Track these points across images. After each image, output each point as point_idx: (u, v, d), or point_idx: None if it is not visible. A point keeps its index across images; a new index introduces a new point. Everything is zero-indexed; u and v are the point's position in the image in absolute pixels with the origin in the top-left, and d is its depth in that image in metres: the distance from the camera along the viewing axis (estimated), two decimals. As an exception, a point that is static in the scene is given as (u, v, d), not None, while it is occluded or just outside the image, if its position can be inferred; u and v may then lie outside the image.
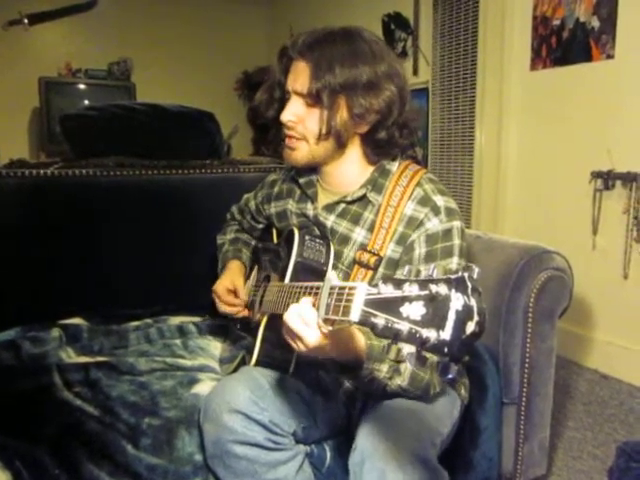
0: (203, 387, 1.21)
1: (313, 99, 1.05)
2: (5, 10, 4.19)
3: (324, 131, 1.06)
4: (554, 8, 2.48)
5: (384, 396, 1.02)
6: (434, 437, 1.00)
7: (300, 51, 1.06)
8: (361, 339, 0.92)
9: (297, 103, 1.08)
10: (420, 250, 1.06)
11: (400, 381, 0.98)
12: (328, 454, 1.13)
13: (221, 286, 1.29)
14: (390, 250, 1.08)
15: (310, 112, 1.07)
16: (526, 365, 1.28)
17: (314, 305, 0.80)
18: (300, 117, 1.08)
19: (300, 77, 1.06)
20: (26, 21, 4.23)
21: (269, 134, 1.23)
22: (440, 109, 3.30)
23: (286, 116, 1.09)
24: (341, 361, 0.95)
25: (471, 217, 3.06)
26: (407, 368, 0.98)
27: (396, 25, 3.46)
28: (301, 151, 1.11)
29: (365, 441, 0.94)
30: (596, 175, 2.34)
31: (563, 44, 2.46)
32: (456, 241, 1.06)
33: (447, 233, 1.06)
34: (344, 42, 1.04)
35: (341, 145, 1.10)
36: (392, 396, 1.02)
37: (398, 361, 0.93)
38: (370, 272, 1.08)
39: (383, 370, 0.96)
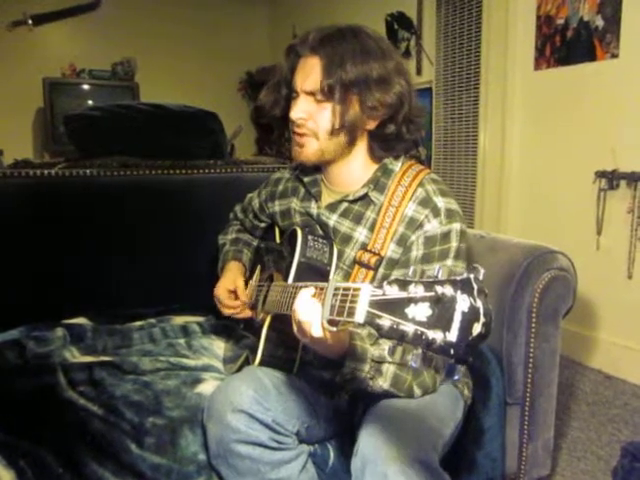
0: (207, 387, 1.21)
1: (325, 95, 1.05)
2: (9, 11, 4.21)
3: (337, 126, 1.06)
4: (558, 7, 2.48)
5: (378, 395, 1.03)
6: (436, 439, 1.00)
7: (311, 47, 1.06)
8: (347, 340, 0.94)
9: (307, 100, 1.08)
10: (418, 252, 1.06)
11: (382, 382, 1.00)
12: (331, 454, 1.13)
13: (222, 288, 1.30)
14: (390, 250, 1.08)
15: (321, 108, 1.07)
16: (530, 365, 1.28)
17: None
18: (310, 114, 1.08)
19: (311, 73, 1.06)
20: (30, 22, 4.25)
21: (273, 134, 1.23)
22: (444, 109, 3.29)
23: (296, 113, 1.08)
24: (328, 357, 0.96)
25: (474, 217, 3.06)
26: (389, 369, 1.00)
27: (399, 25, 3.46)
28: (311, 148, 1.11)
29: (366, 445, 0.94)
30: (600, 175, 2.34)
31: (567, 43, 2.45)
32: (454, 244, 1.06)
33: (445, 236, 1.06)
34: (353, 39, 1.05)
35: (352, 140, 1.10)
36: (391, 396, 1.03)
37: (379, 362, 0.95)
38: (371, 272, 1.08)
39: (364, 370, 0.98)
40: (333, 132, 1.07)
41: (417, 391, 1.04)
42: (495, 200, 2.91)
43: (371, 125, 1.09)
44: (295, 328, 0.85)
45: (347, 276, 1.12)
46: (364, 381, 0.99)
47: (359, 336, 1.00)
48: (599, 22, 2.29)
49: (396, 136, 1.11)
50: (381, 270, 1.09)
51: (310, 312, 0.80)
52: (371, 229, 1.11)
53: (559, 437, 1.81)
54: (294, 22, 4.48)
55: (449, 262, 1.05)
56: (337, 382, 1.01)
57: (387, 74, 1.05)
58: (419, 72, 3.39)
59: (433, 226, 1.06)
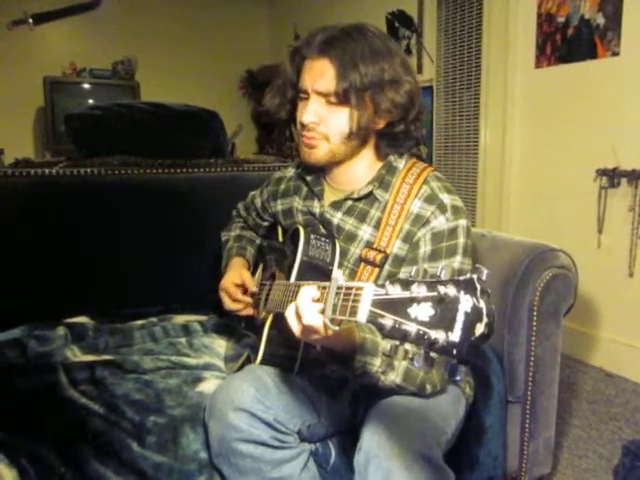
0: (208, 385, 1.22)
1: (339, 99, 1.03)
2: (10, 10, 4.22)
3: (354, 130, 1.05)
4: (559, 5, 2.47)
5: (388, 393, 1.03)
6: (439, 436, 1.00)
7: (319, 49, 1.04)
8: (356, 332, 0.93)
9: (319, 102, 1.06)
10: (425, 248, 1.06)
11: (394, 376, 0.99)
12: (333, 452, 1.13)
13: (228, 281, 1.29)
14: (396, 248, 1.08)
15: (333, 111, 1.05)
16: (531, 363, 1.28)
17: (319, 301, 0.80)
18: (322, 117, 1.06)
19: (322, 76, 1.04)
20: (31, 21, 4.26)
21: (273, 133, 1.23)
22: (445, 107, 3.29)
23: (308, 117, 1.06)
24: (336, 350, 0.95)
25: (476, 215, 3.06)
26: (401, 363, 0.99)
27: (400, 23, 3.45)
28: (322, 149, 1.09)
29: (370, 441, 0.94)
30: (601, 173, 2.34)
31: (568, 41, 2.45)
32: (461, 240, 1.06)
33: (453, 232, 1.06)
34: (360, 38, 1.04)
35: (364, 142, 1.10)
36: (393, 393, 1.02)
37: (390, 356, 0.94)
38: (376, 270, 1.08)
39: (376, 364, 0.97)
40: (350, 136, 1.06)
41: (428, 387, 1.03)
42: (496, 198, 2.91)
43: (381, 124, 1.09)
44: (292, 325, 0.84)
45: (352, 274, 1.11)
46: (375, 375, 0.98)
47: (369, 329, 0.98)
48: (600, 20, 2.29)
49: (404, 134, 1.10)
50: (387, 267, 1.08)
51: (308, 308, 0.80)
52: (376, 227, 1.11)
53: (560, 435, 1.81)
54: (295, 21, 4.48)
55: (458, 258, 1.05)
56: (348, 377, 1.00)
57: (397, 73, 1.04)
58: (420, 70, 3.38)
59: (440, 222, 1.06)
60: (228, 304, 1.29)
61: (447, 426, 1.06)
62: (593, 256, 2.38)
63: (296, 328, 0.83)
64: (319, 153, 1.10)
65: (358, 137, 1.08)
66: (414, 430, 0.96)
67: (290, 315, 0.83)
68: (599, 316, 2.43)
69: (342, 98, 1.03)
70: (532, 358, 1.28)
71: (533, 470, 1.35)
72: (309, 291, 0.81)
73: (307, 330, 0.81)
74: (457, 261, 1.05)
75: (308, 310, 0.79)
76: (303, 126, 1.08)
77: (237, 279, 1.29)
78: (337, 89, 1.02)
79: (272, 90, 1.17)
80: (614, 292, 2.34)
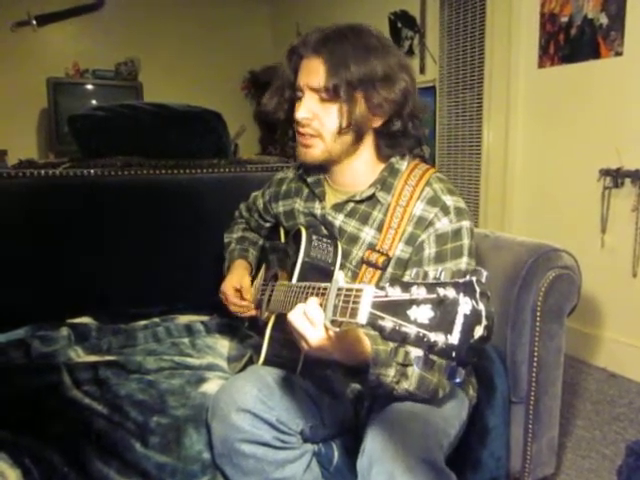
0: (211, 386, 1.22)
1: (329, 94, 1.04)
2: (13, 11, 4.23)
3: (344, 125, 1.05)
4: (562, 5, 2.47)
5: (398, 400, 1.02)
6: (442, 439, 1.00)
7: (314, 48, 1.06)
8: (368, 344, 0.92)
9: (312, 99, 1.07)
10: (430, 250, 1.06)
11: (407, 385, 0.98)
12: (335, 453, 1.13)
13: (229, 286, 1.30)
14: (399, 250, 1.08)
15: (326, 107, 1.06)
16: (534, 364, 1.28)
17: (321, 305, 0.81)
18: (315, 113, 1.07)
19: (315, 73, 1.05)
20: (34, 22, 4.28)
21: (276, 133, 1.23)
22: (447, 107, 3.29)
23: (301, 113, 1.07)
24: (348, 364, 0.95)
25: (479, 216, 3.05)
26: (414, 372, 0.98)
27: (403, 23, 3.45)
28: (317, 148, 1.10)
29: (373, 444, 0.94)
30: (605, 173, 2.33)
31: (571, 41, 2.44)
32: (465, 241, 1.06)
33: (457, 233, 1.06)
34: (354, 37, 1.05)
35: (359, 139, 1.10)
36: (399, 398, 1.02)
37: (405, 365, 0.94)
38: (378, 272, 1.08)
39: (390, 374, 0.96)
40: (340, 132, 1.06)
41: (440, 392, 1.03)
42: (499, 199, 2.90)
43: (377, 123, 1.09)
44: (298, 338, 0.85)
45: (355, 276, 1.11)
46: (390, 386, 0.97)
47: (382, 340, 0.98)
48: (603, 20, 2.28)
49: (402, 133, 1.10)
50: (389, 270, 1.08)
51: (306, 322, 0.81)
52: (379, 229, 1.11)
53: (564, 436, 1.81)
54: (297, 20, 4.47)
55: (465, 259, 1.05)
56: (364, 393, 0.99)
57: (391, 71, 1.04)
58: (422, 71, 3.38)
59: (443, 224, 1.06)
60: (228, 307, 1.30)
61: (450, 428, 1.06)
62: (596, 256, 2.38)
63: (303, 339, 0.83)
64: (315, 152, 1.10)
65: (351, 133, 1.08)
66: (417, 433, 0.96)
67: (295, 325, 0.83)
68: (603, 316, 2.42)
69: (332, 93, 1.03)
70: (535, 358, 1.28)
71: (536, 471, 1.35)
72: (313, 300, 0.81)
73: (308, 331, 0.81)
74: (464, 262, 1.05)
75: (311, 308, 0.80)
76: (297, 123, 1.09)
77: (237, 284, 1.30)
78: (327, 84, 1.03)
79: (271, 91, 1.17)
80: (618, 292, 2.34)
